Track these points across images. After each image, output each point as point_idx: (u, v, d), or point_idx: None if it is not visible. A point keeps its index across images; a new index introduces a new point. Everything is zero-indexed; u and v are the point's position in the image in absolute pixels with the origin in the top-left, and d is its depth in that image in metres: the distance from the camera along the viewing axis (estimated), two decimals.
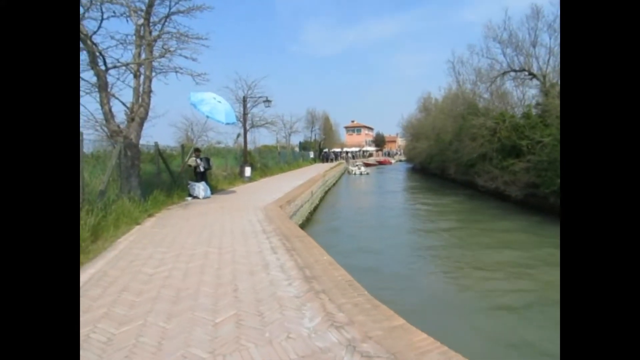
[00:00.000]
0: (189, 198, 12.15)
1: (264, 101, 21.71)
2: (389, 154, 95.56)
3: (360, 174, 46.80)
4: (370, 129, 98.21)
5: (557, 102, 18.51)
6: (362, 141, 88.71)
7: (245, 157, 20.48)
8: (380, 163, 72.41)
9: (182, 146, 15.09)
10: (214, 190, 14.01)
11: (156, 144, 12.11)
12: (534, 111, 20.09)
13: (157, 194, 10.37)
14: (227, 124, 12.51)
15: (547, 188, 16.24)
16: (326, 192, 25.83)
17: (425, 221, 16.97)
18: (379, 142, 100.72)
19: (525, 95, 23.46)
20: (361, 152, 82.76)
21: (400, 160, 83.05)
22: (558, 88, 20.11)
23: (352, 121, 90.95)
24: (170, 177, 12.56)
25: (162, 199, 10.51)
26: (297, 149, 56.25)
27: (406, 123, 60.39)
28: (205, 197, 12.39)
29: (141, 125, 10.00)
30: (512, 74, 22.18)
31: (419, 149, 44.63)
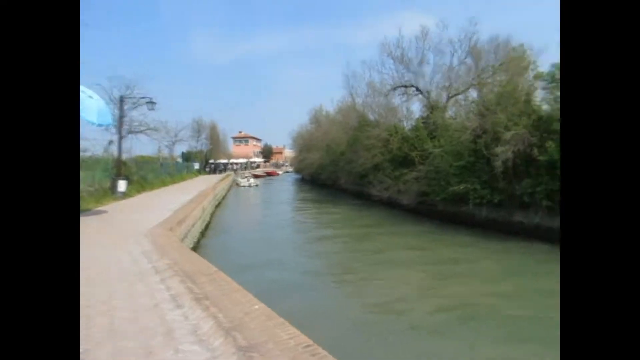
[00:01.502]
0: None
1: (147, 102, 18.41)
2: (276, 165, 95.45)
3: (250, 185, 45.13)
4: (258, 140, 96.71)
5: (442, 115, 20.11)
6: (250, 152, 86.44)
7: (119, 168, 17.00)
8: (269, 174, 71.71)
9: None
10: None
11: None
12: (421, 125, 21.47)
13: None
14: (100, 125, 9.72)
15: (437, 196, 17.19)
16: (216, 207, 23.51)
17: (326, 230, 16.31)
18: (267, 153, 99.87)
19: (409, 110, 25.26)
20: (249, 164, 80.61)
21: (288, 172, 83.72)
22: (441, 104, 21.97)
23: (240, 132, 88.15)
24: None
25: None
26: (179, 160, 51.34)
27: (296, 134, 60.74)
28: None
29: None
30: (402, 89, 23.58)
31: (309, 160, 44.91)
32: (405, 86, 23.47)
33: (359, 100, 30.31)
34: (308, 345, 2.94)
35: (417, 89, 23.09)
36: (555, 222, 11.81)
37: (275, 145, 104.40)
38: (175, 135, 44.75)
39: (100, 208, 12.69)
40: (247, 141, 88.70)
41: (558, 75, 13.47)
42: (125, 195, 16.24)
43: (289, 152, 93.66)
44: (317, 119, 49.27)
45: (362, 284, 9.31)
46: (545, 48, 17.51)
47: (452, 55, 22.20)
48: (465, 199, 14.89)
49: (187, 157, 54.68)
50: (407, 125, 23.91)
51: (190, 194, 18.60)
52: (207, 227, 16.20)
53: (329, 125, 39.82)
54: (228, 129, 74.45)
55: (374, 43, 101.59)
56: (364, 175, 24.59)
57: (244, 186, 44.75)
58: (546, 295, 8.21)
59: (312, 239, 15.44)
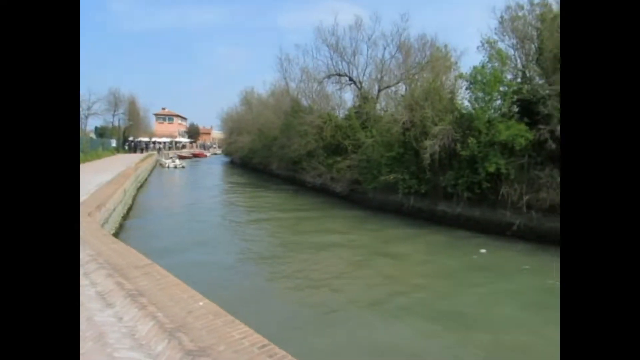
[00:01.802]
0: None
1: None
2: (204, 147, 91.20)
3: (175, 166, 42.60)
4: (183, 118, 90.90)
5: (374, 106, 20.72)
6: (174, 131, 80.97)
7: None
8: (195, 155, 68.33)
9: None
10: None
11: None
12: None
13: None
14: None
15: (368, 185, 17.77)
16: (138, 189, 21.80)
17: (259, 215, 16.05)
18: (193, 133, 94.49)
19: (342, 98, 25.63)
20: (174, 143, 75.78)
21: (216, 154, 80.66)
22: (372, 95, 22.59)
23: (164, 109, 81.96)
24: None
25: None
26: (93, 135, 46.43)
27: (226, 116, 58.30)
28: None
29: None
30: (336, 77, 23.78)
31: (240, 143, 43.56)
32: (339, 75, 23.71)
33: (292, 85, 29.95)
34: (264, 345, 2.80)
35: (350, 79, 23.47)
36: (474, 212, 12.97)
37: (202, 125, 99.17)
38: (89, 108, 40.48)
39: None
40: (171, 119, 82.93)
41: (479, 77, 14.59)
42: None
43: (217, 134, 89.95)
44: (248, 101, 47.66)
45: (299, 267, 9.53)
46: (466, 50, 18.85)
47: (384, 49, 22.91)
48: (395, 189, 15.61)
49: (102, 132, 49.69)
50: (340, 113, 24.25)
51: (109, 174, 16.93)
52: (129, 211, 14.93)
53: (261, 109, 38.82)
54: (150, 104, 68.60)
55: (305, 27, 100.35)
56: (297, 161, 24.52)
57: (168, 167, 42.09)
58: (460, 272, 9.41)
59: (244, 224, 15.08)
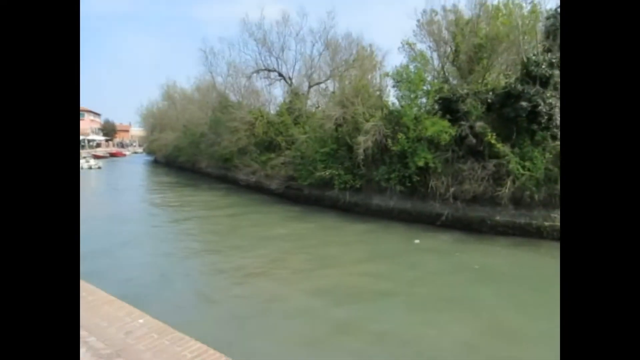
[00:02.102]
0: None
1: None
2: (122, 145, 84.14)
3: (90, 167, 38.65)
4: (96, 114, 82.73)
5: (305, 102, 20.73)
6: (86, 129, 73.12)
7: None
8: (113, 155, 62.85)
9: None
10: None
11: None
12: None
13: None
14: None
15: (304, 181, 17.76)
16: None
17: (190, 218, 15.19)
18: (109, 131, 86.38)
19: (272, 95, 25.30)
20: (86, 142, 68.67)
21: (137, 152, 75.02)
22: (303, 91, 22.60)
23: None
24: None
25: None
26: None
27: (147, 112, 54.21)
28: None
29: None
30: (265, 72, 23.36)
31: (163, 141, 40.85)
32: (268, 70, 23.38)
33: (219, 80, 28.79)
34: None
35: (280, 74, 23.27)
36: (406, 204, 13.63)
37: (119, 122, 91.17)
38: None
39: None
40: (82, 115, 74.93)
41: (404, 76, 15.33)
42: None
43: (137, 131, 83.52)
44: (170, 95, 44.82)
45: (244, 262, 9.20)
46: (390, 50, 19.83)
47: (313, 46, 23.08)
48: (331, 184, 15.81)
49: None
50: (271, 109, 23.93)
51: None
52: None
53: (185, 104, 36.81)
54: None
55: (227, 19, 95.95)
56: (229, 158, 23.71)
57: (82, 168, 37.97)
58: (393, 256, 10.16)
59: (174, 227, 14.15)
